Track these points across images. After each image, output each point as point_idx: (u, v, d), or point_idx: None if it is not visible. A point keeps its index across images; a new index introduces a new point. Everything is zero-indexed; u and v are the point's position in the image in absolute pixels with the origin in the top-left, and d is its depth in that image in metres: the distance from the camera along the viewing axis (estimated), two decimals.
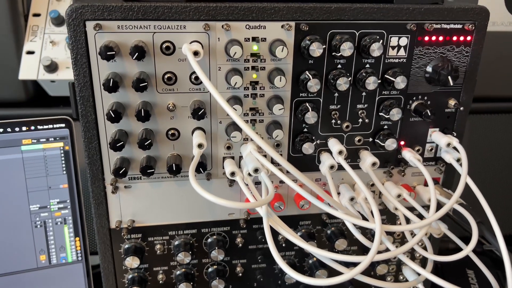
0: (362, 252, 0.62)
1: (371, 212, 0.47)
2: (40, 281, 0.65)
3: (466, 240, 0.82)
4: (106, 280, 0.57)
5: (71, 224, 0.65)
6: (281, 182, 0.56)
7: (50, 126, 0.62)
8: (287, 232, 0.45)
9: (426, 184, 0.58)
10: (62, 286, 0.67)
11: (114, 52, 0.44)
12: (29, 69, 0.77)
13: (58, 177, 0.63)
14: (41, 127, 0.62)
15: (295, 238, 0.44)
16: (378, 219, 0.43)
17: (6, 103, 0.79)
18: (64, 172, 0.63)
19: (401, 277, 0.65)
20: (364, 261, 0.40)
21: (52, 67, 0.76)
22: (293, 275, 0.42)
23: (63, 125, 0.62)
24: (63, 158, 0.63)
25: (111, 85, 0.45)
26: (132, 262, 0.54)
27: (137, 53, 0.44)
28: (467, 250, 0.48)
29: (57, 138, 0.63)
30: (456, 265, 0.79)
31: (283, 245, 0.59)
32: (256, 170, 0.48)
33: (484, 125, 0.88)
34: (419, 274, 0.53)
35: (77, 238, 0.66)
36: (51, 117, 0.63)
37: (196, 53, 0.44)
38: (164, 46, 0.46)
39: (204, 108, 0.48)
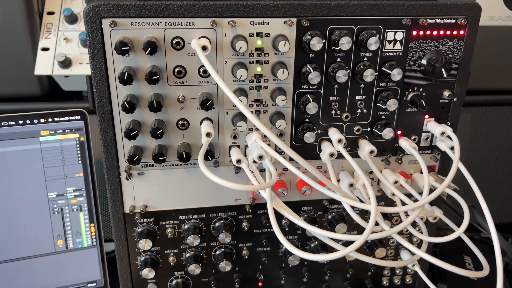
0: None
1: (370, 198, 0.50)
2: (57, 265, 0.70)
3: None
4: (121, 262, 0.61)
5: (86, 211, 0.69)
6: (285, 169, 0.59)
7: (67, 118, 0.66)
8: (289, 214, 0.48)
9: (421, 172, 0.61)
10: (78, 269, 0.71)
11: (128, 47, 0.48)
12: (44, 65, 0.80)
13: (74, 166, 0.67)
14: (58, 119, 0.66)
15: (296, 219, 0.47)
16: (373, 200, 0.46)
17: (23, 98, 0.83)
18: (80, 161, 0.67)
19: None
20: (360, 238, 0.44)
21: (66, 63, 0.80)
22: (292, 249, 0.45)
23: (79, 117, 0.66)
24: (78, 149, 0.67)
25: (125, 78, 0.48)
26: (145, 244, 0.58)
27: (149, 48, 0.48)
28: (459, 232, 0.52)
29: (73, 130, 0.66)
30: (454, 251, 0.82)
31: (286, 229, 0.62)
32: (260, 157, 0.51)
33: (484, 117, 0.91)
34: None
35: (92, 224, 0.70)
36: (67, 109, 0.67)
37: (204, 48, 0.48)
38: (174, 41, 0.50)
39: (211, 100, 0.51)
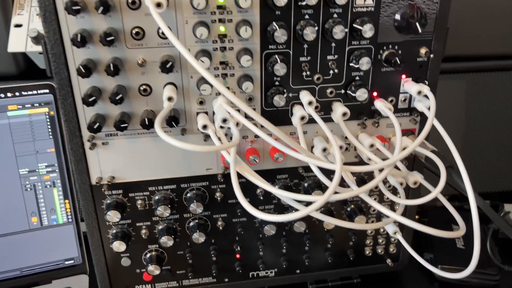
0: (342, 206, 0.63)
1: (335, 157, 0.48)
2: (33, 242, 0.68)
3: (455, 199, 0.83)
4: (91, 236, 0.59)
5: (60, 187, 0.67)
6: (257, 136, 0.57)
7: (35, 92, 0.64)
8: (253, 177, 0.46)
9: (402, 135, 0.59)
10: (55, 246, 0.69)
11: (80, 7, 0.45)
12: (18, 41, 0.78)
13: (45, 141, 0.66)
14: (26, 93, 0.64)
15: (259, 181, 0.45)
16: (338, 158, 0.44)
17: None
18: (51, 136, 0.65)
19: (382, 230, 0.66)
20: (321, 198, 0.41)
21: (39, 39, 0.77)
22: (251, 210, 0.43)
23: (47, 90, 0.64)
24: (49, 123, 0.65)
25: (79, 40, 0.46)
26: (113, 216, 0.56)
27: (101, 7, 0.46)
28: (435, 192, 0.49)
29: (42, 104, 0.64)
30: (443, 222, 0.80)
31: (261, 198, 0.60)
32: (224, 121, 0.49)
33: (481, 84, 0.87)
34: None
35: (67, 201, 0.68)
36: (35, 83, 0.65)
37: (158, 5, 0.45)
38: (129, 0, 0.47)
39: (172, 62, 0.49)
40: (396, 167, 0.57)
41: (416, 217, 0.85)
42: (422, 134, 0.48)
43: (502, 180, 0.92)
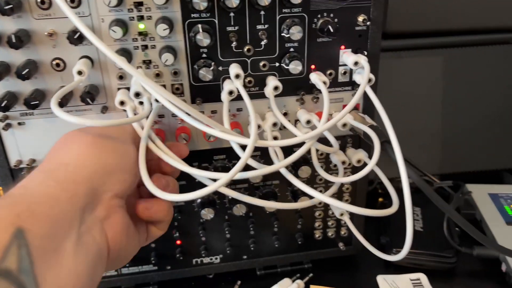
0: (286, 187, 0.60)
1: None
2: None
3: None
4: None
5: None
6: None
7: None
8: (166, 155, 0.42)
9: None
10: None
11: None
12: None
13: None
14: None
15: (173, 160, 0.42)
16: (253, 133, 0.41)
17: None
18: None
19: (331, 212, 0.63)
20: (229, 174, 0.38)
21: None
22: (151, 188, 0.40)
23: None
24: None
25: None
26: None
27: None
28: (370, 165, 0.46)
29: None
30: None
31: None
32: (137, 95, 0.45)
33: (460, 59, 0.83)
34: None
35: None
36: None
37: None
38: None
39: (80, 32, 0.45)
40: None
41: (380, 199, 0.82)
42: (350, 103, 0.45)
43: (476, 160, 0.88)
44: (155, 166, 0.45)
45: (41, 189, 0.35)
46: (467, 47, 0.82)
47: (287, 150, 0.51)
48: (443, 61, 0.83)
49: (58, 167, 0.38)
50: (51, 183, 0.36)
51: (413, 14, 0.78)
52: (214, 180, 0.42)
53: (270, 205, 0.48)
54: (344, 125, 0.52)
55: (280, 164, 0.42)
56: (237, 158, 0.56)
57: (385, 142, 0.47)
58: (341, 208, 0.43)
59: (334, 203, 0.43)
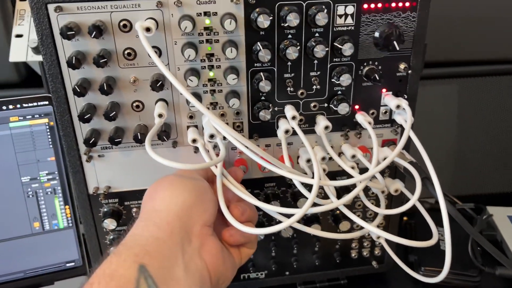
0: (327, 212, 0.66)
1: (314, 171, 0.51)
2: (35, 246, 0.72)
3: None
4: (90, 241, 0.63)
5: (60, 194, 0.71)
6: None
7: (35, 103, 0.67)
8: (238, 190, 0.49)
9: (383, 146, 0.62)
10: (56, 250, 0.73)
11: (74, 32, 0.48)
12: (18, 51, 0.81)
13: (45, 150, 0.69)
14: (27, 105, 0.67)
15: (244, 194, 0.48)
16: (317, 173, 0.47)
17: (0, 85, 0.84)
18: (51, 146, 0.69)
19: (367, 234, 0.69)
20: (299, 212, 0.45)
21: (39, 49, 0.80)
22: (235, 224, 0.46)
23: (47, 102, 0.67)
24: (49, 133, 0.68)
25: (73, 62, 0.49)
26: (109, 224, 0.60)
27: (94, 32, 0.48)
28: (412, 201, 0.52)
29: (42, 115, 0.68)
30: (429, 225, 0.83)
31: None
32: (211, 136, 0.52)
33: (473, 88, 0.90)
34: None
35: (67, 206, 0.72)
36: (35, 95, 0.68)
37: (148, 29, 0.48)
38: (121, 24, 0.50)
39: (162, 81, 0.52)
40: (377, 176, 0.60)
41: (405, 218, 0.88)
42: (398, 147, 0.51)
43: (492, 182, 0.95)
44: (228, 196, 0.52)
45: (146, 234, 0.43)
46: (481, 77, 0.88)
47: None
48: (459, 89, 0.89)
49: (153, 215, 0.45)
50: (152, 228, 0.43)
51: (432, 46, 0.85)
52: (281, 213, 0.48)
53: (331, 236, 0.54)
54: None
55: (341, 201, 0.49)
56: (285, 185, 0.64)
57: (425, 179, 0.54)
58: (391, 239, 0.50)
59: (383, 234, 0.50)
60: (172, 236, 0.43)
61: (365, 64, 0.57)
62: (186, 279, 0.41)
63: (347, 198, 0.49)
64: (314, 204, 0.49)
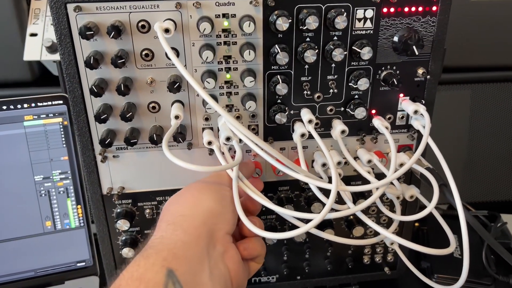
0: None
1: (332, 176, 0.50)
2: (47, 245, 0.72)
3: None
4: (102, 242, 0.63)
5: (73, 193, 0.71)
6: None
7: (49, 103, 0.68)
8: (253, 193, 0.49)
9: (398, 151, 0.61)
10: (67, 249, 0.73)
11: (92, 32, 0.48)
12: (33, 50, 0.81)
13: (58, 150, 0.69)
14: (41, 104, 0.67)
15: (259, 197, 0.48)
16: (334, 178, 0.47)
17: (13, 83, 0.85)
18: (64, 145, 0.69)
19: (381, 240, 0.69)
20: (317, 217, 0.44)
21: (53, 48, 0.81)
22: (249, 226, 0.46)
23: (61, 101, 0.68)
24: (62, 133, 0.68)
25: (91, 62, 0.49)
26: (122, 224, 0.59)
27: (113, 32, 0.48)
28: (429, 208, 0.52)
29: (56, 114, 0.68)
30: (442, 230, 0.82)
31: (263, 209, 0.63)
32: (228, 139, 0.52)
33: (486, 94, 0.89)
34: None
35: (79, 206, 0.72)
36: (50, 94, 0.68)
37: (167, 31, 0.48)
38: (140, 24, 0.50)
39: (179, 82, 0.52)
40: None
41: (416, 224, 0.87)
42: (416, 153, 0.51)
43: (505, 189, 0.93)
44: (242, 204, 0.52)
45: (173, 237, 0.43)
46: (494, 83, 0.88)
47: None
48: (472, 94, 0.88)
49: (179, 219, 0.45)
50: (179, 232, 0.43)
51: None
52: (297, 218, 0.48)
53: (347, 242, 0.53)
54: (401, 165, 0.58)
55: (358, 207, 0.48)
56: (299, 189, 0.63)
57: (443, 185, 0.53)
58: (408, 246, 0.49)
59: (401, 241, 0.49)
60: (199, 241, 0.43)
61: (383, 68, 0.57)
62: (211, 284, 0.41)
63: (365, 204, 0.48)
64: (331, 210, 0.48)
